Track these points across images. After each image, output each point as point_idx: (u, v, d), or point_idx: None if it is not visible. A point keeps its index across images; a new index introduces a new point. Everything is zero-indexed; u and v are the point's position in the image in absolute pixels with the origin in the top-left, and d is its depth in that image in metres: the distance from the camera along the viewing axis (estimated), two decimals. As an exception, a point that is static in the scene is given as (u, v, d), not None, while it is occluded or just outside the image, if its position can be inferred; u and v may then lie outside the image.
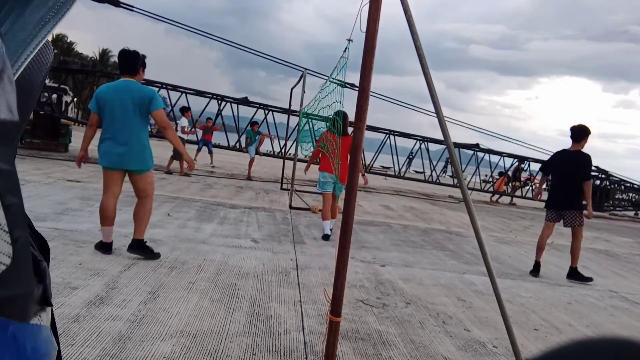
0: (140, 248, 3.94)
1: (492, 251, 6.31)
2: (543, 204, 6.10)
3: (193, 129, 12.73)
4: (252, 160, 12.92)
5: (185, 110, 11.93)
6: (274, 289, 3.66)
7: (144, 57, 3.97)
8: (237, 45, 10.46)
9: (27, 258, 0.40)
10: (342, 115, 5.64)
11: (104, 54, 51.85)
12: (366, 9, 2.01)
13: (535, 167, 17.44)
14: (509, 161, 16.70)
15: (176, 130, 11.62)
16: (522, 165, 16.88)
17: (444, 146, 2.91)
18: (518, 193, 17.14)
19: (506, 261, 6.01)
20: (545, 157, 16.42)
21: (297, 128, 10.07)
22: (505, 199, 17.48)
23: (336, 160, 6.03)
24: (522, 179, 17.95)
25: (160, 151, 15.13)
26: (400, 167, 15.91)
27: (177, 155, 11.19)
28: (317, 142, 6.72)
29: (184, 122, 11.55)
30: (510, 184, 17.45)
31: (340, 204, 2.21)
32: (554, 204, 5.58)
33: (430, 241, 6.73)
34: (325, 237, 5.89)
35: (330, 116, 6.08)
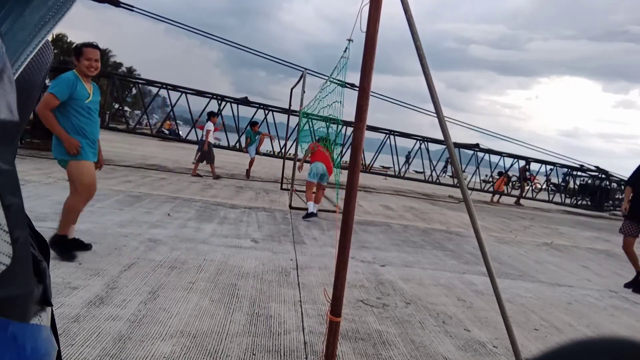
0: (54, 244, 3.66)
1: (492, 251, 6.31)
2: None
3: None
4: (252, 160, 12.92)
5: (212, 115, 11.89)
6: (274, 289, 3.66)
7: (80, 45, 3.73)
8: (237, 45, 10.46)
9: (27, 258, 0.40)
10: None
11: (104, 54, 51.89)
12: (366, 9, 2.01)
13: (535, 167, 17.46)
14: (509, 161, 16.71)
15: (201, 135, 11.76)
16: (527, 165, 16.82)
17: (444, 146, 2.92)
18: (518, 193, 17.13)
19: (506, 261, 6.01)
20: (546, 157, 16.47)
21: (297, 128, 10.07)
22: (506, 199, 17.47)
23: (337, 162, 6.29)
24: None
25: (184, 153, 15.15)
26: (400, 167, 15.90)
27: (207, 158, 11.26)
28: (313, 148, 7.53)
29: (209, 126, 11.54)
30: (510, 184, 17.43)
31: (340, 203, 2.21)
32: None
33: (430, 241, 6.73)
34: (310, 215, 7.10)
35: (325, 128, 6.81)
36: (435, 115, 2.20)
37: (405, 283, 4.32)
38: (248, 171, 12.72)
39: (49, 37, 0.45)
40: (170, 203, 6.86)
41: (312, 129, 10.89)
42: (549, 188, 18.48)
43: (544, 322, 3.76)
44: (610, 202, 17.73)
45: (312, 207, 7.14)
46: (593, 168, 17.30)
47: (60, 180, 7.53)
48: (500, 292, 2.29)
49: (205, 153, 11.33)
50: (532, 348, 3.17)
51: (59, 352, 0.51)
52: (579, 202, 17.57)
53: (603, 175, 17.39)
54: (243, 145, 13.83)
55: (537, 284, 4.99)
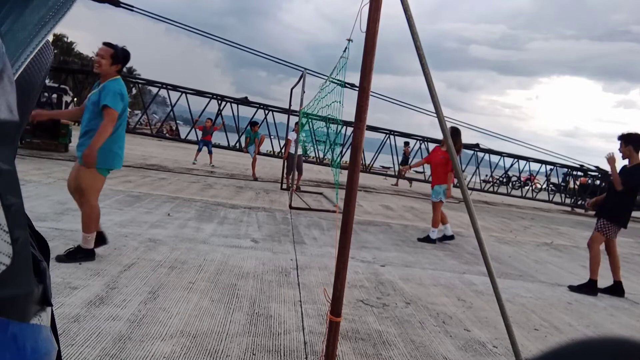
0: (68, 256, 3.62)
1: (492, 251, 6.31)
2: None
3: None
4: (254, 160, 12.87)
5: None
6: (274, 289, 3.66)
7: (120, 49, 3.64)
8: (237, 45, 10.46)
9: (27, 258, 0.40)
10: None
11: (104, 54, 51.74)
12: (366, 9, 2.01)
13: (535, 167, 17.44)
14: (509, 161, 16.69)
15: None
16: (407, 147, 16.21)
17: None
18: (518, 193, 17.13)
19: (506, 261, 6.01)
20: (546, 157, 16.46)
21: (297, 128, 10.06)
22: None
23: (336, 161, 6.21)
24: (522, 178, 17.93)
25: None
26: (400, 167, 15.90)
27: (291, 168, 10.76)
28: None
29: (292, 135, 11.21)
30: (511, 183, 17.39)
31: (341, 204, 2.21)
32: None
33: (430, 241, 6.72)
34: (430, 240, 6.60)
35: None
36: (435, 115, 2.20)
37: (405, 283, 4.32)
38: (253, 173, 12.52)
39: (49, 37, 0.45)
40: (170, 203, 6.86)
41: (312, 129, 10.88)
42: (549, 188, 18.47)
43: (544, 322, 3.76)
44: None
45: (436, 232, 6.70)
46: (593, 168, 17.29)
47: (60, 180, 7.53)
48: (500, 292, 2.29)
49: (292, 164, 10.84)
50: (532, 348, 3.17)
51: (59, 352, 0.51)
52: (579, 202, 17.56)
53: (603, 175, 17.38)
54: (243, 145, 13.82)
55: (537, 284, 4.99)
